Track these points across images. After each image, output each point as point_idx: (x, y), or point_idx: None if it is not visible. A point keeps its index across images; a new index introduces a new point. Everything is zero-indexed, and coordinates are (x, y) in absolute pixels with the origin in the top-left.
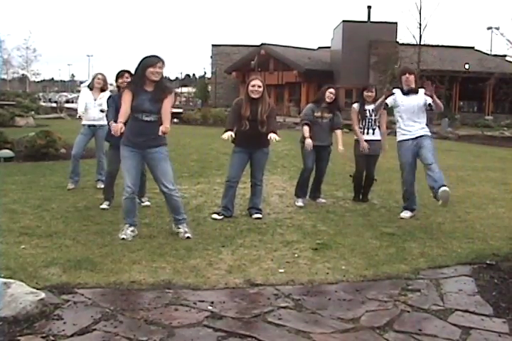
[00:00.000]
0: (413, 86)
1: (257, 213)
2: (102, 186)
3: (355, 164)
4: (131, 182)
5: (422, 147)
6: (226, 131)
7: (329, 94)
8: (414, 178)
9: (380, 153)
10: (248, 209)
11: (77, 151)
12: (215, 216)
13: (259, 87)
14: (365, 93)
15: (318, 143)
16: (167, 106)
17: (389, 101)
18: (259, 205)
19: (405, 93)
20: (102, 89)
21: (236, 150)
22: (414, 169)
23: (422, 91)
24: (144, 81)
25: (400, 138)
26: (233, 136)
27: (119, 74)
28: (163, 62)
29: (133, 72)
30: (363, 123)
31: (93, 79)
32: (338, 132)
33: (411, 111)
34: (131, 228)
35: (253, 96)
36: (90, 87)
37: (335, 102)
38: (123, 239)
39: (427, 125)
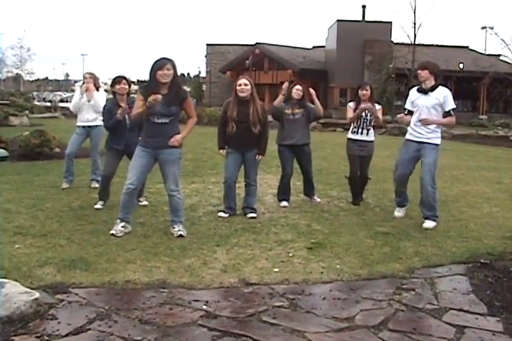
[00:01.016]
0: (429, 82)
1: (251, 212)
2: (97, 185)
3: (349, 165)
4: (135, 179)
5: (423, 162)
6: (220, 148)
7: (296, 90)
8: (406, 179)
9: (372, 154)
10: (242, 208)
11: (71, 150)
12: (221, 214)
13: (246, 85)
14: (359, 92)
15: (293, 142)
16: (190, 112)
17: (407, 106)
18: (253, 205)
19: (419, 90)
20: (96, 88)
21: (229, 151)
22: (407, 171)
23: (440, 89)
24: (156, 84)
25: (406, 136)
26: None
27: (116, 81)
28: (171, 64)
29: (131, 78)
30: (358, 123)
31: (83, 79)
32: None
33: (420, 111)
34: (122, 223)
35: (241, 95)
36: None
37: (303, 99)
38: (112, 234)
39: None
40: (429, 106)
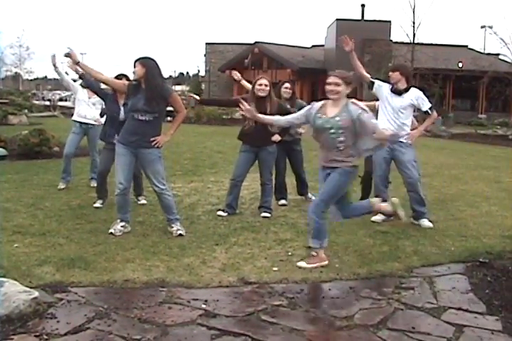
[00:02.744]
0: (401, 84)
1: (265, 212)
2: (96, 184)
3: (365, 164)
4: (123, 178)
5: (402, 160)
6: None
7: (285, 89)
8: (386, 183)
9: None
10: (259, 207)
11: (69, 151)
12: (220, 213)
13: (266, 85)
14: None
15: (286, 138)
16: (177, 107)
17: (377, 81)
18: (269, 204)
19: (393, 91)
20: None
21: (242, 150)
22: (384, 172)
23: (413, 91)
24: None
25: None
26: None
27: (117, 78)
28: (139, 62)
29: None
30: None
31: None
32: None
33: (392, 111)
34: (122, 223)
35: (260, 94)
36: (83, 86)
37: (293, 96)
38: (111, 233)
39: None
40: (400, 107)
